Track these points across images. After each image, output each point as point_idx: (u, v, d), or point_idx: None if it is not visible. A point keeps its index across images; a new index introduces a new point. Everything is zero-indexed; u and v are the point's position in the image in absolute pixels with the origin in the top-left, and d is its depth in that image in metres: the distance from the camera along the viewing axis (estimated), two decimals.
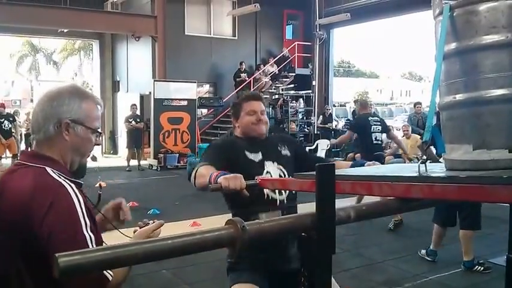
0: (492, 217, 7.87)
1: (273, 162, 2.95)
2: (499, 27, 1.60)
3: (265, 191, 2.81)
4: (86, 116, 1.86)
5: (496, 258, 6.01)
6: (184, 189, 11.51)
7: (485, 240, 6.82)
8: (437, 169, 1.77)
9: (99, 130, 1.94)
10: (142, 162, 15.53)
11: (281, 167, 2.95)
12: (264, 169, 2.89)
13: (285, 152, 3.06)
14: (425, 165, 1.67)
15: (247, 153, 2.93)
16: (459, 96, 1.69)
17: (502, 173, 1.44)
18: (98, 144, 2.00)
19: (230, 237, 1.32)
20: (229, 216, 8.89)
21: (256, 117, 2.99)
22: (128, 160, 15.00)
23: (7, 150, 14.74)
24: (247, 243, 1.33)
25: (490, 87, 1.61)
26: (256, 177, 2.41)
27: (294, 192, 2.92)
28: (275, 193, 2.86)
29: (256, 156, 2.93)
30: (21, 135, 16.87)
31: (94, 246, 1.63)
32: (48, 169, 1.75)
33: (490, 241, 6.82)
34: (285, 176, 2.91)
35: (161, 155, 15.43)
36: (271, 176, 2.85)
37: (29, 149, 1.86)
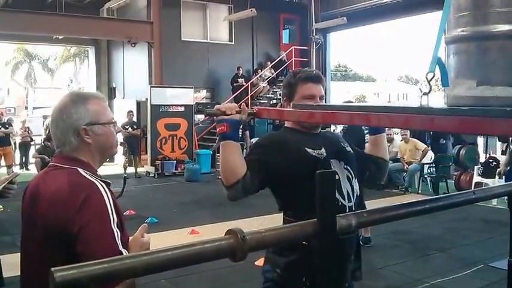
0: (492, 221, 7.87)
1: (339, 161, 2.50)
2: None
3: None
4: (97, 114, 1.97)
5: (496, 262, 5.98)
6: (182, 197, 11.49)
7: (485, 244, 6.80)
8: (439, 104, 1.73)
9: (113, 120, 2.06)
10: (139, 170, 15.46)
11: (348, 168, 2.52)
12: (330, 169, 2.39)
13: (349, 148, 2.63)
14: (428, 98, 1.62)
15: (308, 150, 2.45)
16: (467, 30, 1.64)
17: (505, 109, 1.40)
18: (118, 132, 2.14)
19: (230, 247, 1.29)
20: (228, 223, 8.89)
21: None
22: (125, 167, 14.92)
23: (3, 159, 14.69)
24: (247, 253, 1.31)
25: (499, 21, 1.56)
26: None
27: (360, 194, 2.57)
28: (344, 198, 2.44)
29: (320, 154, 2.46)
30: (15, 143, 16.79)
31: (119, 241, 1.77)
32: (80, 170, 1.89)
33: (490, 245, 6.80)
34: (352, 178, 2.51)
35: (158, 161, 15.35)
36: (338, 178, 2.40)
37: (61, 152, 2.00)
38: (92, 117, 1.95)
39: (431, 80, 1.63)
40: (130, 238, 1.98)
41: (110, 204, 1.82)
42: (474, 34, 1.62)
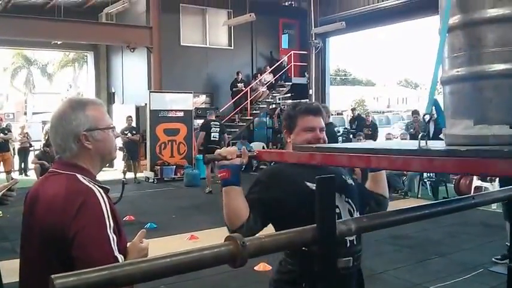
0: (492, 225, 7.86)
1: (340, 195, 2.45)
2: (505, 0, 1.56)
3: None
4: (96, 120, 1.99)
5: (496, 266, 5.98)
6: (181, 202, 11.48)
7: (485, 248, 6.80)
8: (437, 144, 1.74)
9: (112, 125, 2.09)
10: (139, 175, 15.44)
11: (349, 201, 2.48)
12: None
13: (350, 181, 2.60)
14: (426, 139, 1.64)
15: (308, 184, 2.40)
16: (462, 70, 1.66)
17: (503, 148, 1.42)
18: (117, 137, 2.12)
19: (230, 254, 1.29)
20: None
21: (314, 136, 2.54)
22: (124, 173, 14.91)
23: (2, 164, 14.67)
24: (247, 259, 1.30)
25: (493, 61, 1.58)
26: (252, 150, 2.35)
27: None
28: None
29: None
30: (14, 149, 16.79)
31: (115, 247, 1.79)
32: (79, 176, 1.91)
33: (490, 249, 6.79)
34: (354, 212, 2.47)
35: (158, 167, 15.35)
36: (339, 212, 2.39)
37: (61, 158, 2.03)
38: (91, 123, 1.97)
39: (428, 121, 1.65)
40: (129, 243, 1.99)
41: (107, 210, 1.83)
42: (469, 74, 1.64)
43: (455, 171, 1.56)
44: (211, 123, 12.94)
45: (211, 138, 12.73)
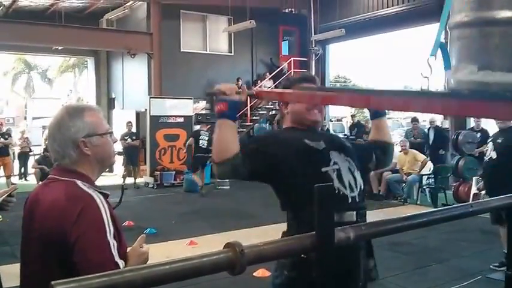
0: (490, 232, 7.84)
1: (339, 153, 2.49)
2: None
3: (335, 184, 2.37)
4: (94, 126, 2.01)
5: (495, 273, 5.98)
6: (181, 207, 11.47)
7: (483, 255, 6.80)
8: (440, 88, 1.74)
9: (110, 130, 2.11)
10: (138, 180, 15.43)
11: (349, 159, 2.50)
12: (330, 159, 2.42)
13: (348, 144, 2.66)
14: (428, 81, 1.64)
15: (307, 141, 2.46)
16: (470, 15, 1.65)
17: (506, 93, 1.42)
18: (116, 142, 2.16)
19: (229, 261, 1.31)
20: (227, 234, 8.83)
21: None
22: (124, 178, 14.89)
23: (1, 169, 14.67)
24: (246, 267, 1.32)
25: (502, 7, 1.57)
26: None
27: (363, 188, 2.53)
28: (346, 188, 2.41)
29: (319, 145, 2.47)
30: (14, 154, 16.79)
31: (115, 252, 1.80)
32: (78, 182, 1.92)
33: (488, 256, 6.79)
34: (354, 170, 2.49)
35: (157, 172, 15.34)
36: (339, 168, 2.42)
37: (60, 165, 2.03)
38: (89, 129, 1.99)
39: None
40: (129, 248, 2.01)
41: (107, 216, 1.85)
42: (477, 20, 1.63)
43: (456, 113, 1.54)
44: (201, 131, 13.47)
45: (199, 145, 13.16)
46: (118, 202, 2.18)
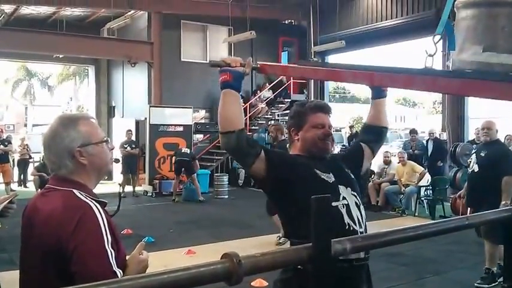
0: None
1: (346, 187, 2.51)
2: None
3: (346, 220, 2.39)
4: (89, 135, 2.00)
5: (491, 285, 5.97)
6: (179, 216, 11.46)
7: (480, 267, 6.78)
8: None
9: (105, 138, 2.09)
10: (137, 189, 15.38)
11: (355, 194, 2.53)
12: (339, 194, 2.44)
13: (349, 172, 2.64)
14: (432, 59, 1.63)
15: (318, 172, 2.48)
16: None
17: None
18: (112, 149, 2.15)
19: (226, 271, 1.32)
20: (225, 244, 8.81)
21: (324, 132, 2.56)
22: (123, 186, 14.86)
23: (1, 176, 14.67)
24: (242, 277, 1.33)
25: None
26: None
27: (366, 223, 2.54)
28: (356, 224, 2.42)
29: (329, 177, 2.49)
30: (13, 160, 16.78)
31: (114, 261, 1.79)
32: (76, 191, 1.91)
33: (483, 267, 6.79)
34: (360, 205, 2.52)
35: (156, 181, 15.33)
36: (347, 203, 2.45)
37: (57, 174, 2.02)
38: (84, 139, 1.98)
39: (437, 42, 1.63)
40: (128, 256, 2.01)
41: (104, 225, 1.84)
42: (484, 0, 1.64)
43: (459, 92, 1.53)
44: (183, 149, 14.41)
45: (182, 151, 14.18)
46: (116, 210, 2.18)
